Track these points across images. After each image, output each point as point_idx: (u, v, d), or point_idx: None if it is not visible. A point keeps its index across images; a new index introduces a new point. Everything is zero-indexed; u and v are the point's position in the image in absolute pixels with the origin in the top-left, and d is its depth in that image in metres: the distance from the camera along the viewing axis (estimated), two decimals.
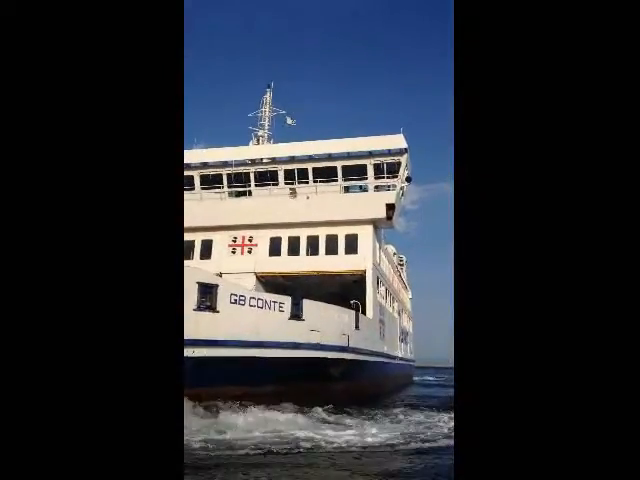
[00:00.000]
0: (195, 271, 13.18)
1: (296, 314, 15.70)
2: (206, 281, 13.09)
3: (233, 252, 23.60)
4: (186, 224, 18.55)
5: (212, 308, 13.18)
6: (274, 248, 23.08)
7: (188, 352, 12.49)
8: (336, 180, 23.19)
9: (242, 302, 13.99)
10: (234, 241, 23.69)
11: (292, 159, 23.92)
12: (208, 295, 13.09)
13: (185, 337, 12.28)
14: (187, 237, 23.78)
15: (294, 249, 22.87)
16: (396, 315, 34.50)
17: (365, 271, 22.33)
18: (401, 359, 35.91)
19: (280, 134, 29.23)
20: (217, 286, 13.31)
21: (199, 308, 12.86)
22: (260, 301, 14.61)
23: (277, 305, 15.12)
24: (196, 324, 12.58)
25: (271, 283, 23.08)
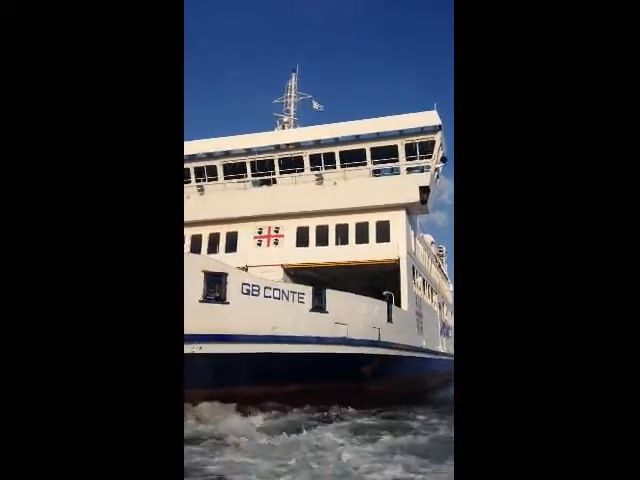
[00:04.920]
0: (201, 259, 11.99)
1: (318, 306, 14.25)
2: (213, 270, 11.84)
3: (259, 244, 22.49)
4: (210, 216, 17.90)
5: (221, 299, 11.91)
6: (301, 238, 21.80)
7: (195, 348, 11.32)
8: (365, 163, 21.61)
9: (256, 292, 12.66)
10: (260, 232, 22.58)
11: (318, 143, 22.52)
12: (216, 285, 11.83)
13: (191, 332, 11.01)
14: (212, 230, 23.05)
15: (322, 239, 21.50)
16: (436, 308, 32.58)
17: (399, 260, 20.67)
18: (443, 354, 33.94)
19: (306, 122, 27.86)
20: (226, 275, 12.05)
21: (206, 299, 11.62)
22: (277, 292, 13.24)
23: (296, 296, 13.72)
24: (203, 317, 11.36)
25: (299, 275, 21.81)
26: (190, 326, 11.03)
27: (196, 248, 22.49)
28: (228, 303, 12.03)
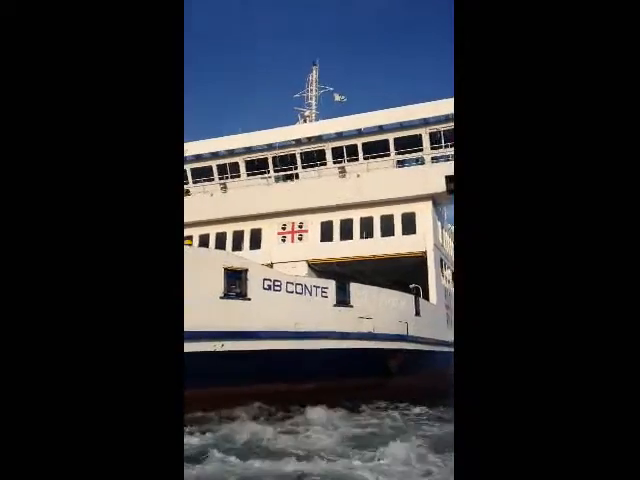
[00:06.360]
0: (221, 255, 11.78)
1: (343, 300, 13.88)
2: (233, 266, 11.62)
3: (283, 240, 22.25)
4: (233, 213, 17.75)
5: (242, 295, 11.69)
6: (325, 233, 21.46)
7: (217, 346, 11.13)
8: (388, 154, 21.11)
9: (277, 288, 12.39)
10: (283, 228, 22.33)
11: (340, 135, 22.13)
12: (237, 281, 11.61)
13: (211, 328, 10.92)
14: (236, 227, 22.91)
15: (347, 233, 21.11)
16: None
17: (426, 252, 20.11)
18: None
19: (328, 115, 27.48)
20: (246, 271, 11.81)
21: (227, 296, 11.40)
22: (299, 286, 12.93)
23: (319, 290, 13.39)
24: (224, 313, 11.16)
25: (325, 271, 21.48)
26: (211, 323, 10.89)
27: (220, 246, 22.43)
28: (249, 299, 11.80)
